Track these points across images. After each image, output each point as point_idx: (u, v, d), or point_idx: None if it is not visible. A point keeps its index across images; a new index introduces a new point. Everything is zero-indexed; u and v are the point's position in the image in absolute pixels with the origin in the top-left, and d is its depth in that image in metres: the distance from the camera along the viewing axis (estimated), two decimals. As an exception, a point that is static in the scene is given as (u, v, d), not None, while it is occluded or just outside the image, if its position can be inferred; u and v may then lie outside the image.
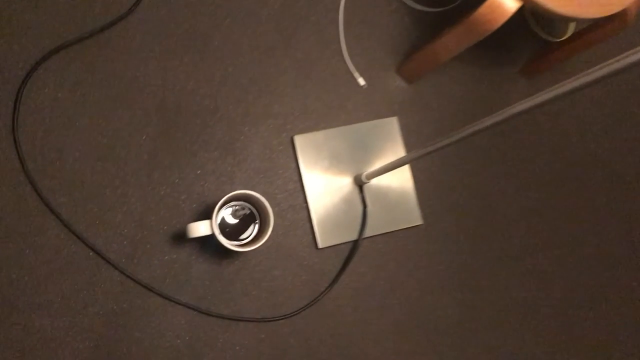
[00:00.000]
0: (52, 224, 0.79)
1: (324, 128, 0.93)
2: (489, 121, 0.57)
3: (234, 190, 0.79)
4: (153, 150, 0.84)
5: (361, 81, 0.96)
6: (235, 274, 0.85)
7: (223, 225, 0.81)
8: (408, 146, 0.97)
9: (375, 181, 0.92)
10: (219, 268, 0.84)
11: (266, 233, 0.79)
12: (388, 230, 0.93)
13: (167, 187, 0.84)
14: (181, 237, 0.84)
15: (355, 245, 0.90)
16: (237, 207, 0.82)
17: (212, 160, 0.87)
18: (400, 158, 0.78)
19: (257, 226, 0.84)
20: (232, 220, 0.82)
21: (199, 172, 0.86)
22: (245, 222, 0.83)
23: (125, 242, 0.81)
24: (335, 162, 0.92)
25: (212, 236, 0.78)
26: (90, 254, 0.80)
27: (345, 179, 0.92)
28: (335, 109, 0.94)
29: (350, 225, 0.91)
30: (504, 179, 1.00)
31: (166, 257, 0.82)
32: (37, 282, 0.78)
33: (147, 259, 0.82)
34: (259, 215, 0.84)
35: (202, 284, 0.83)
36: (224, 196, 0.78)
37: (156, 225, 0.83)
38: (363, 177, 0.89)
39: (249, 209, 0.83)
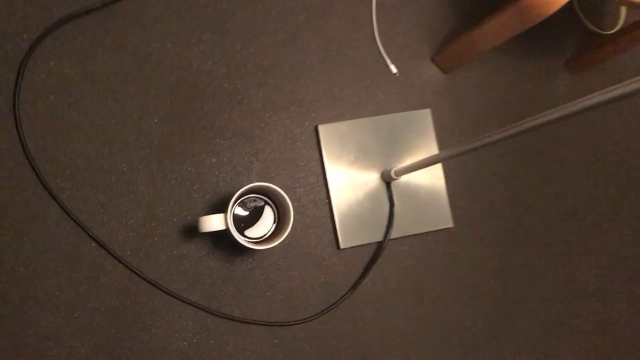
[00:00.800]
0: (52, 211, 0.73)
1: (351, 118, 0.86)
2: (535, 121, 0.50)
3: (250, 182, 0.73)
4: (165, 135, 0.78)
5: (393, 69, 0.89)
6: (249, 273, 0.78)
7: (237, 220, 0.75)
8: (441, 141, 0.90)
9: (404, 178, 0.85)
10: (232, 266, 0.78)
11: (285, 230, 0.72)
12: (416, 232, 0.86)
13: (179, 176, 0.78)
14: (192, 231, 0.77)
15: (380, 247, 0.84)
16: (250, 199, 0.76)
17: (229, 148, 0.80)
18: (434, 155, 0.71)
19: (274, 222, 0.77)
20: (245, 213, 0.75)
21: (213, 160, 0.79)
22: (260, 215, 0.76)
23: (131, 234, 0.75)
24: (362, 155, 0.85)
25: (225, 231, 0.72)
26: (93, 245, 0.74)
27: (372, 175, 0.85)
28: (364, 98, 0.87)
29: (375, 225, 0.84)
30: (543, 181, 0.93)
31: (175, 252, 0.76)
32: (33, 274, 0.71)
33: (154, 252, 0.75)
34: (277, 210, 0.77)
35: (213, 282, 0.77)
36: (240, 188, 0.71)
37: (165, 217, 0.76)
38: (392, 174, 0.82)
39: (265, 201, 0.76)
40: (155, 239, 0.76)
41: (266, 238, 0.76)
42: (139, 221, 0.76)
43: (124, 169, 0.76)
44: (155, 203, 0.77)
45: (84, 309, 0.73)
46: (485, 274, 0.88)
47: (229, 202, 0.71)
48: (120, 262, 0.74)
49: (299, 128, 0.84)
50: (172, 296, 0.75)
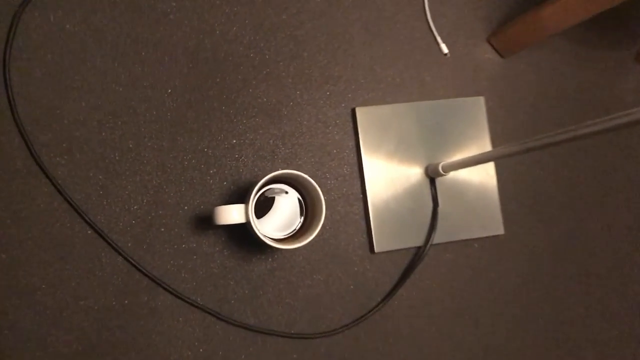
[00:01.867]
0: (43, 189, 0.63)
1: (393, 102, 0.75)
2: (607, 123, 0.41)
3: (275, 169, 0.62)
4: (179, 108, 0.67)
5: (444, 48, 0.78)
6: (268, 275, 0.68)
7: (257, 212, 0.64)
8: (493, 134, 0.79)
9: (451, 175, 0.74)
10: (248, 266, 0.67)
11: (314, 228, 0.62)
12: (461, 238, 0.75)
13: (193, 157, 0.67)
14: (205, 222, 0.67)
15: (419, 253, 0.73)
16: (274, 189, 0.65)
17: (252, 128, 0.69)
18: (492, 151, 0.61)
19: (302, 217, 0.66)
20: (267, 204, 0.65)
21: (234, 141, 0.69)
22: (284, 208, 0.65)
23: (133, 222, 0.65)
24: (404, 145, 0.74)
25: (244, 225, 0.61)
26: (89, 232, 0.63)
27: (414, 169, 0.74)
28: (409, 80, 0.76)
29: (415, 227, 0.73)
30: (608, 190, 0.81)
31: (184, 246, 0.66)
32: (18, 263, 0.61)
33: (160, 245, 0.65)
34: (305, 203, 0.66)
35: (226, 283, 0.66)
36: (263, 175, 0.60)
37: (175, 204, 0.66)
38: (439, 169, 0.71)
39: (287, 192, 0.66)
40: (162, 230, 0.65)
41: (291, 236, 0.66)
42: (143, 207, 0.65)
43: (130, 145, 0.66)
44: (163, 187, 0.66)
45: (74, 307, 0.62)
46: (536, 292, 0.77)
47: (251, 190, 0.61)
48: (120, 254, 0.64)
49: (334, 110, 0.73)
50: (178, 297, 0.65)
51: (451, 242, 0.76)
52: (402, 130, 0.75)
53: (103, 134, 0.65)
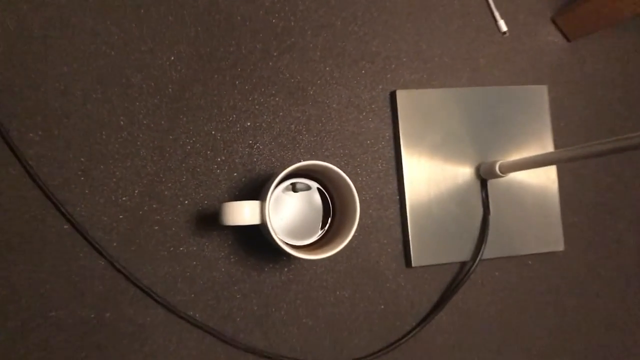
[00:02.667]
0: (10, 172, 0.51)
1: (440, 86, 0.63)
2: None
3: (295, 159, 0.50)
4: (183, 80, 0.55)
5: (502, 26, 0.66)
6: (283, 288, 0.56)
7: (271, 210, 0.52)
8: (557, 130, 0.67)
9: (504, 177, 0.62)
10: (259, 276, 0.55)
11: (345, 235, 0.50)
12: (513, 254, 0.63)
13: (198, 141, 0.55)
14: (209, 221, 0.55)
15: (465, 269, 0.61)
16: (294, 185, 0.53)
17: (270, 109, 0.57)
18: (561, 152, 0.50)
19: (329, 219, 0.54)
20: (288, 202, 0.53)
21: (248, 124, 0.56)
22: (304, 207, 0.54)
23: (121, 217, 0.53)
24: (452, 138, 0.62)
25: (257, 227, 0.49)
26: (65, 227, 0.51)
27: (463, 168, 0.62)
28: (460, 61, 0.64)
29: (461, 238, 0.61)
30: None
31: (181, 249, 0.54)
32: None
33: (152, 247, 0.53)
34: (332, 205, 0.54)
35: (231, 296, 0.54)
36: (282, 166, 0.48)
37: (173, 197, 0.54)
38: (496, 169, 0.59)
39: (308, 187, 0.54)
40: (156, 228, 0.53)
41: (314, 242, 0.54)
42: (134, 199, 0.53)
43: (121, 122, 0.54)
44: (160, 176, 0.54)
45: (44, 318, 0.50)
46: (600, 321, 0.65)
47: (268, 184, 0.49)
48: (102, 255, 0.52)
49: (369, 92, 0.61)
50: (171, 311, 0.53)
51: (501, 257, 0.63)
52: (450, 120, 0.62)
53: (88, 106, 0.53)
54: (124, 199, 0.54)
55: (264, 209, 0.48)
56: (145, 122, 0.55)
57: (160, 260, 0.54)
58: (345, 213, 0.52)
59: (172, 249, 0.54)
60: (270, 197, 0.49)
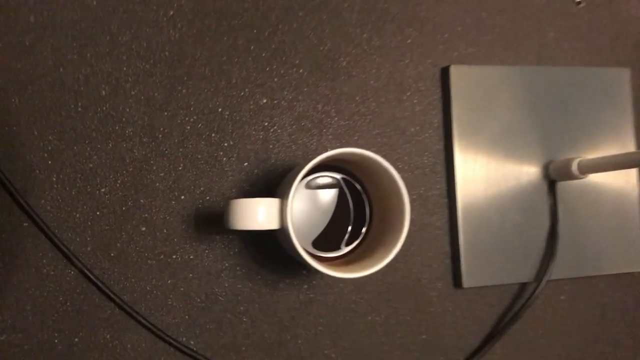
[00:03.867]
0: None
1: (503, 63, 0.51)
2: None
3: (321, 147, 0.38)
4: (184, 41, 0.44)
5: (578, -8, 0.54)
6: (301, 311, 0.45)
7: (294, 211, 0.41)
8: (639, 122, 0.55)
9: (575, 182, 0.51)
10: (272, 295, 0.44)
11: (387, 248, 0.39)
12: (584, 274, 0.51)
13: (200, 119, 0.43)
14: (211, 223, 0.44)
15: (529, 292, 0.50)
16: (317, 181, 0.42)
17: (292, 83, 0.46)
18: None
19: (365, 227, 0.43)
20: (308, 201, 0.42)
21: (264, 101, 0.45)
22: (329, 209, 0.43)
23: (98, 213, 0.42)
24: (516, 128, 0.50)
25: (274, 233, 0.38)
26: (25, 224, 0.40)
27: (529, 167, 0.50)
28: (526, 34, 0.53)
29: (524, 253, 0.50)
30: None
31: (174, 257, 0.42)
32: None
33: (137, 253, 0.42)
34: (370, 207, 0.43)
35: (235, 319, 0.43)
36: (305, 155, 0.37)
37: (165, 190, 0.43)
38: (574, 168, 0.47)
39: (338, 183, 0.43)
40: (143, 229, 0.42)
41: (343, 254, 0.43)
42: (116, 192, 0.42)
43: (102, 92, 0.42)
44: (150, 163, 0.43)
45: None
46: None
47: (290, 178, 0.37)
48: (72, 262, 0.40)
49: (415, 67, 0.49)
50: (160, 337, 0.41)
51: (568, 278, 0.52)
52: (514, 105, 0.51)
53: (60, 69, 0.42)
54: (102, 190, 0.42)
55: (285, 209, 0.37)
56: (133, 93, 0.43)
57: (147, 271, 0.43)
58: (388, 220, 0.41)
59: (162, 256, 0.43)
60: (293, 194, 0.37)
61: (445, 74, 0.51)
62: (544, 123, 0.52)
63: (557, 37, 0.54)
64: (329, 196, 0.43)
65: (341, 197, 0.43)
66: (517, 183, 0.51)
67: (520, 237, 0.51)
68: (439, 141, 0.50)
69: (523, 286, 0.51)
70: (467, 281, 0.49)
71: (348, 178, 0.44)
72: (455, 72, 0.50)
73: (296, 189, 0.38)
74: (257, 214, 0.37)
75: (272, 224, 0.38)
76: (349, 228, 0.43)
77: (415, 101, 0.50)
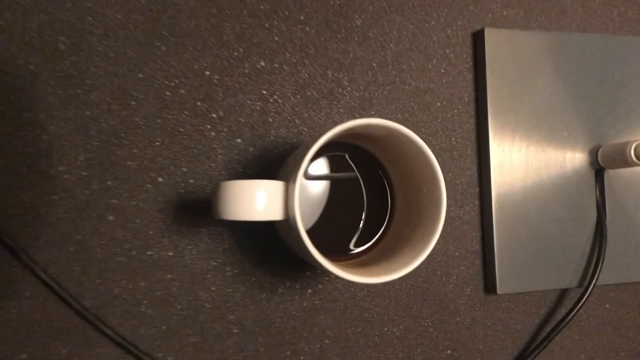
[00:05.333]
0: None
1: (543, 28, 0.44)
2: None
3: (330, 121, 0.30)
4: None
5: (631, -51, 0.47)
6: (304, 320, 0.38)
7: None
8: None
9: (626, 171, 0.44)
10: (270, 301, 0.37)
11: (417, 248, 0.32)
12: (636, 280, 0.44)
13: (182, 84, 0.36)
14: (195, 212, 0.36)
15: (574, 300, 0.43)
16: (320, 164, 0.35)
17: (297, 43, 0.39)
18: None
19: (384, 220, 0.35)
20: (313, 188, 0.34)
21: (262, 64, 0.37)
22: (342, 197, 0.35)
23: (55, 197, 0.34)
24: (560, 105, 0.43)
25: (273, 225, 0.31)
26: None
27: (573, 152, 0.43)
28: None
29: (568, 254, 0.42)
30: None
31: (149, 253, 0.35)
32: None
33: (103, 249, 0.35)
34: (391, 196, 0.35)
35: (224, 331, 0.35)
36: (312, 130, 0.30)
37: (140, 170, 0.35)
38: (630, 153, 0.40)
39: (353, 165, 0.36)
40: (110, 218, 0.34)
41: (359, 252, 0.35)
42: (77, 171, 0.34)
43: (61, 45, 0.35)
44: (120, 136, 0.35)
45: None
46: None
47: (300, 156, 0.30)
48: (19, 259, 0.33)
49: (443, 29, 0.42)
50: (131, 352, 0.34)
51: (614, 284, 0.45)
52: (558, 79, 0.44)
53: (7, 15, 0.33)
54: (60, 169, 0.34)
55: (292, 195, 0.29)
56: (100, 48, 0.35)
57: (115, 271, 0.35)
58: (416, 212, 0.34)
59: (133, 252, 0.35)
60: (302, 175, 0.29)
61: (477, 39, 0.44)
62: (592, 100, 0.45)
63: (604, 2, 0.47)
64: (333, 184, 0.36)
65: (349, 185, 0.36)
66: (560, 171, 0.44)
67: (563, 235, 0.44)
68: (470, 119, 0.43)
69: (563, 293, 0.44)
70: (501, 286, 0.42)
71: (365, 161, 0.36)
72: (489, 36, 0.43)
73: (305, 170, 0.30)
74: (255, 200, 0.30)
75: (275, 213, 0.30)
76: (361, 223, 0.36)
77: (442, 71, 0.43)
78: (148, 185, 0.36)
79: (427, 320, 0.41)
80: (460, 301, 0.42)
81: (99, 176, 0.36)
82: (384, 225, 0.37)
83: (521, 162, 0.43)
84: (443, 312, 0.42)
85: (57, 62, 0.35)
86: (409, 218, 0.35)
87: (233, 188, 0.30)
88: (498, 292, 0.42)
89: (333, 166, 0.36)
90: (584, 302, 0.43)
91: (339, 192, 0.36)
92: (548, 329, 0.44)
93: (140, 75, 0.37)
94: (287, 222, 0.31)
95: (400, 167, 0.35)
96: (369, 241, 0.36)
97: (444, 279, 0.42)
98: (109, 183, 0.36)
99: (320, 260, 0.29)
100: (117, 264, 0.35)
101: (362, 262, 0.36)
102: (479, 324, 0.42)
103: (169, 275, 0.36)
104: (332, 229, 0.36)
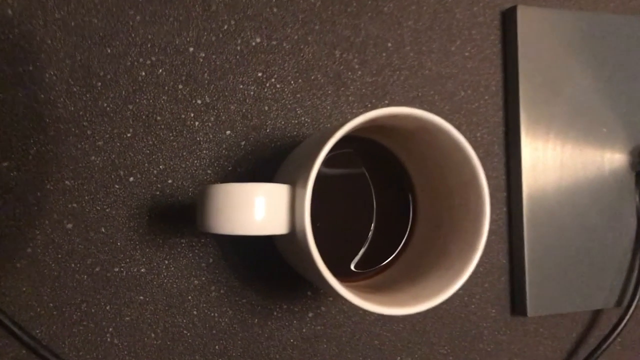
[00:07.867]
0: None
1: (585, 8, 0.40)
2: None
3: (339, 112, 0.26)
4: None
5: None
6: (304, 350, 0.33)
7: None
8: None
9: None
10: (263, 327, 0.32)
11: (454, 270, 0.26)
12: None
13: (160, 62, 0.30)
14: (174, 220, 0.31)
15: (613, 322, 0.38)
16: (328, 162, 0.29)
17: (299, 16, 0.34)
18: None
19: (406, 231, 0.30)
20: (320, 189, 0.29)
21: (257, 40, 0.32)
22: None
23: (3, 209, 0.28)
24: (598, 98, 0.38)
25: (275, 238, 0.26)
26: None
27: (612, 152, 0.39)
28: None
29: (604, 270, 0.38)
30: None
31: (117, 270, 0.29)
32: None
33: (59, 263, 0.28)
34: (414, 202, 0.30)
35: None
36: (317, 121, 0.25)
37: (106, 167, 0.29)
38: (683, 155, 0.36)
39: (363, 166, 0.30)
40: (69, 226, 0.29)
41: (373, 270, 0.31)
42: (26, 167, 0.28)
43: (9, 11, 0.28)
44: (84, 126, 0.29)
45: None
46: None
47: (312, 153, 0.24)
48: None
49: (468, 7, 0.37)
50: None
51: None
52: (599, 66, 0.39)
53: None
54: (5, 165, 0.28)
55: (300, 203, 0.24)
56: (58, 16, 0.29)
57: (74, 291, 0.29)
58: (448, 223, 0.28)
59: (97, 269, 0.29)
60: (314, 178, 0.24)
61: (508, 18, 0.39)
62: (635, 93, 0.41)
63: (648, -20, 0.43)
64: (337, 185, 0.30)
65: (357, 187, 0.30)
66: (598, 174, 0.39)
67: (601, 247, 0.39)
68: (498, 111, 0.38)
69: (597, 314, 0.40)
70: (532, 307, 0.37)
71: (377, 157, 0.31)
72: (522, 15, 0.38)
73: (317, 167, 0.25)
74: (254, 209, 0.24)
75: (278, 226, 0.25)
76: (369, 238, 0.31)
77: (466, 54, 0.38)
78: (116, 186, 0.30)
79: (445, 348, 0.36)
80: (484, 324, 0.37)
81: (55, 174, 0.30)
82: (406, 235, 0.31)
83: (556, 163, 0.39)
84: (464, 337, 0.37)
85: (5, 30, 0.29)
86: (438, 231, 0.30)
87: (225, 194, 0.25)
88: (528, 314, 0.37)
89: (336, 163, 0.31)
90: (625, 326, 0.39)
91: (345, 195, 0.31)
92: (582, 355, 0.39)
93: (109, 50, 0.31)
94: (292, 237, 0.25)
95: (427, 167, 0.30)
96: (383, 258, 0.31)
97: (466, 299, 0.37)
98: (66, 183, 0.30)
99: (338, 289, 0.23)
100: (76, 283, 0.30)
101: (377, 284, 0.31)
102: (505, 350, 0.38)
103: (141, 297, 0.31)
104: (337, 240, 0.31)
